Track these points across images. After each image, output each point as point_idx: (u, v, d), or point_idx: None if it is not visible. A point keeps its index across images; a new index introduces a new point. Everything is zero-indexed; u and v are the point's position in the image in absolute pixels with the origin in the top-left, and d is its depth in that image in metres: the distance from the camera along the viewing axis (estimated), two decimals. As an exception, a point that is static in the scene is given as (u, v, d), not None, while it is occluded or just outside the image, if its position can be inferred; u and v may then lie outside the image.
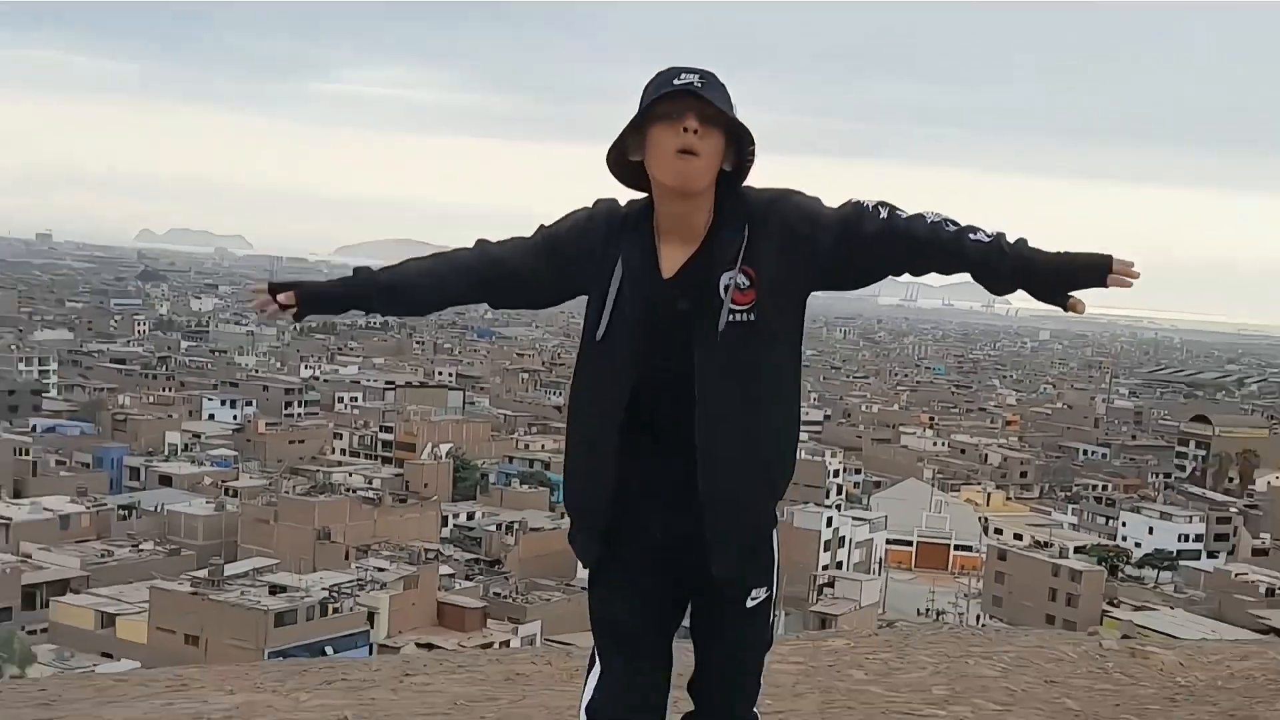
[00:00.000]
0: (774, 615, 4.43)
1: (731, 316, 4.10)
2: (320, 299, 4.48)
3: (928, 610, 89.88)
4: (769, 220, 4.14)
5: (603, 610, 4.40)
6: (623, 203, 4.33)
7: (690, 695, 4.50)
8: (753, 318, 4.12)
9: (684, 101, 4.02)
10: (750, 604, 4.33)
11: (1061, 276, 3.96)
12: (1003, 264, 3.97)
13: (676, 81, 4.04)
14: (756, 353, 4.17)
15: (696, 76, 4.05)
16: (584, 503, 4.35)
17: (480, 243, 4.46)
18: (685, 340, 4.13)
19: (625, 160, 4.21)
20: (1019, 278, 3.98)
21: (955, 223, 4.04)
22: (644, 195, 4.24)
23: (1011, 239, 3.99)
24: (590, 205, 4.35)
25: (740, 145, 4.14)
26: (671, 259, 4.16)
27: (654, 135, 4.07)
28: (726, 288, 4.10)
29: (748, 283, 4.10)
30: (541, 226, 4.39)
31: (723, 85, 4.12)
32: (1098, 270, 3.91)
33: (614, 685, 4.34)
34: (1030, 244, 3.99)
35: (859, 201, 4.13)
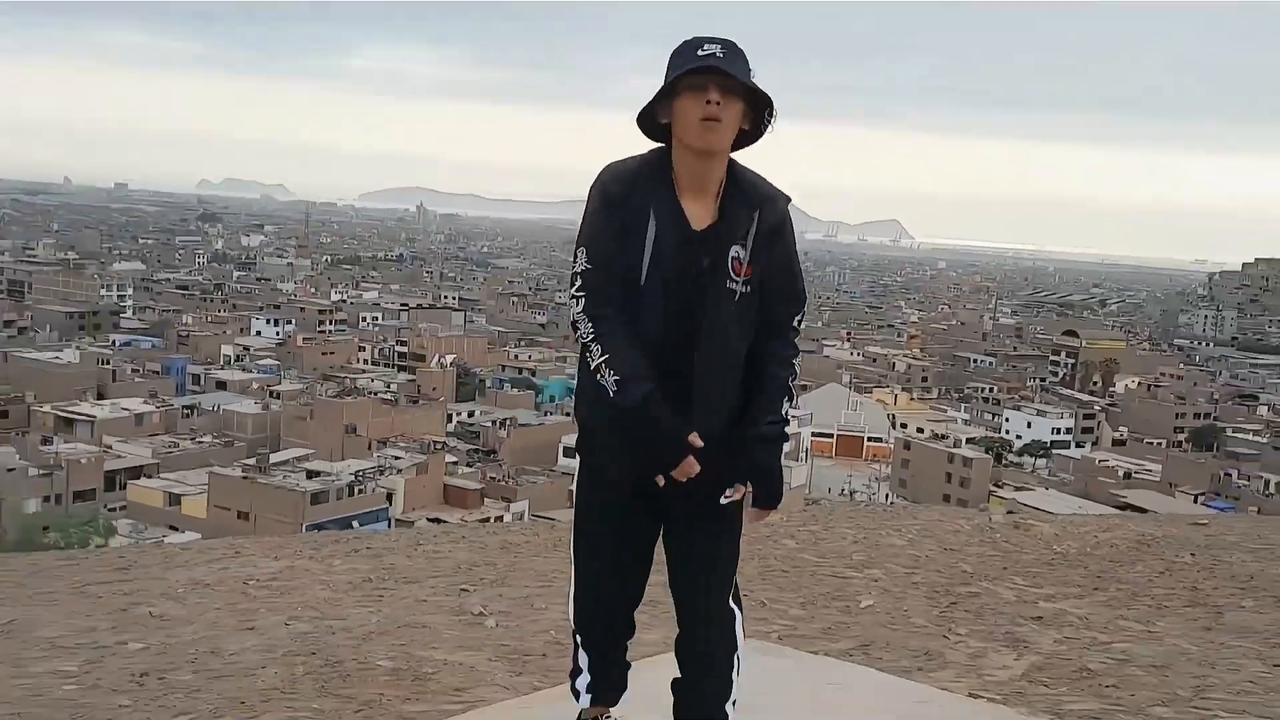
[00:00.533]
0: (740, 530, 4.23)
1: (735, 285, 3.96)
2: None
3: (844, 492, 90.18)
4: (770, 223, 4.00)
5: (589, 528, 4.24)
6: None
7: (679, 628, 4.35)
8: (747, 290, 3.97)
9: (707, 74, 3.85)
10: (724, 500, 4.07)
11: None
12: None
13: (700, 53, 3.87)
14: (743, 318, 4.00)
15: (719, 47, 3.88)
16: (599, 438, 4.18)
17: (600, 308, 4.00)
18: (699, 295, 3.93)
19: (652, 121, 3.99)
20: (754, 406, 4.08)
21: (783, 391, 4.06)
22: (653, 148, 4.05)
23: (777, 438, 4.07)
24: (598, 181, 4.07)
25: (758, 108, 3.98)
26: (695, 215, 3.96)
27: (681, 104, 3.89)
28: (734, 260, 3.94)
29: (747, 261, 3.95)
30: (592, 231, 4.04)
31: (742, 53, 3.93)
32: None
33: (594, 596, 4.28)
34: (775, 454, 4.08)
35: (794, 321, 4.13)
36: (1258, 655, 7.36)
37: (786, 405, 4.03)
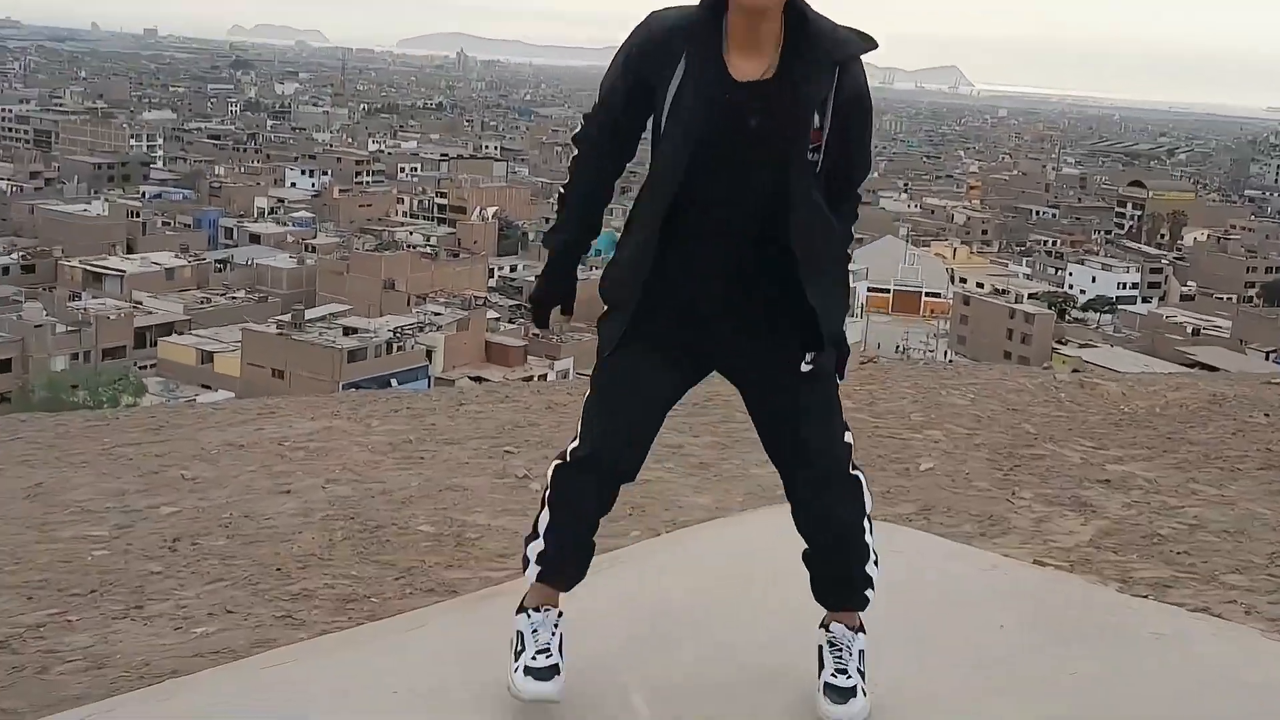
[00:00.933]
0: (838, 396, 3.91)
1: (811, 153, 3.60)
2: (568, 287, 4.03)
3: (898, 349, 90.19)
4: (847, 89, 3.63)
5: (616, 366, 3.88)
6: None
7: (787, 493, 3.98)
8: (817, 158, 3.62)
9: None
10: (805, 368, 3.76)
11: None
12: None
13: None
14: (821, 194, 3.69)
15: None
16: (619, 293, 3.85)
17: (582, 142, 3.94)
18: (757, 152, 3.60)
19: None
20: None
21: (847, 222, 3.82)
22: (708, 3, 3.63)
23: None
24: (637, 33, 3.73)
25: None
26: (740, 68, 3.57)
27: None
28: (815, 127, 3.59)
29: (819, 124, 3.59)
30: (611, 75, 3.82)
31: None
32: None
33: (605, 428, 3.83)
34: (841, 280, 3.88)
35: (862, 180, 3.84)
36: (1336, 520, 7.31)
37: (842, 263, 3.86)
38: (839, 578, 3.94)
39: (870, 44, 3.65)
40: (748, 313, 3.74)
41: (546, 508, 3.88)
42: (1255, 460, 8.70)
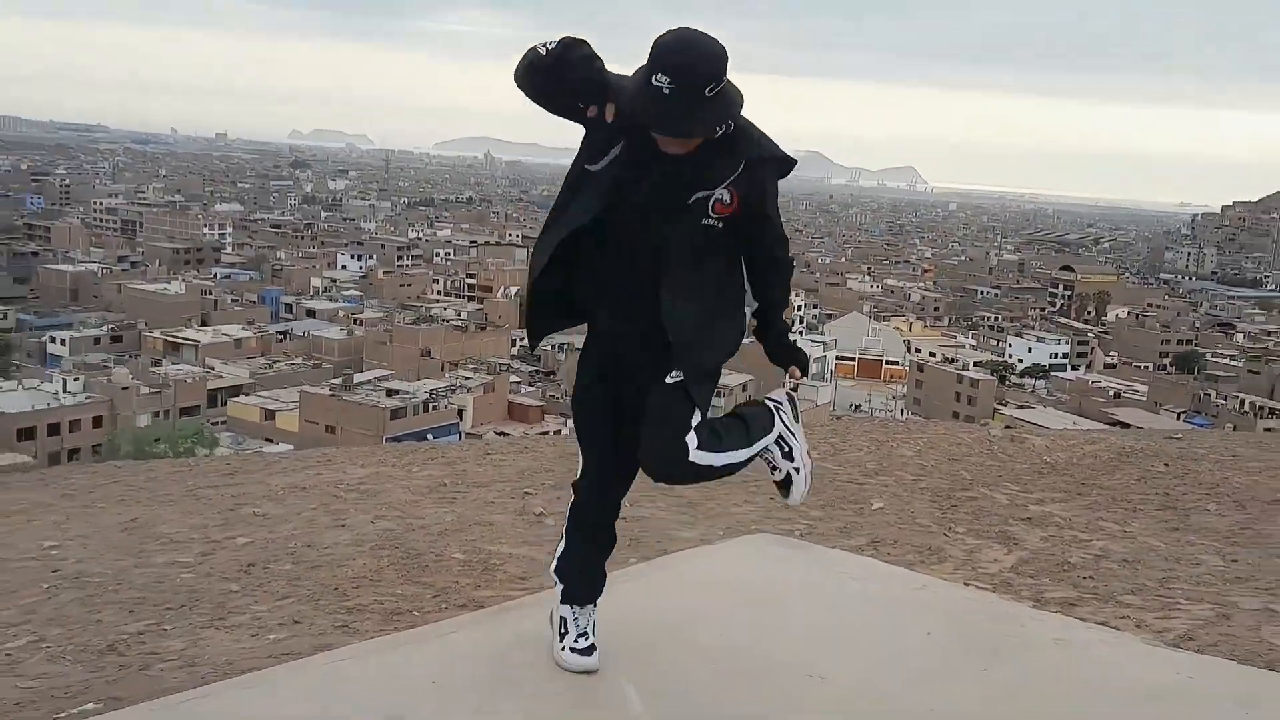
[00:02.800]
0: (698, 401, 3.84)
1: (708, 220, 3.66)
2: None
3: (858, 408, 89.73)
4: (748, 185, 3.66)
5: (579, 416, 4.13)
6: None
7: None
8: (720, 228, 3.69)
9: (647, 111, 3.49)
10: (669, 381, 3.80)
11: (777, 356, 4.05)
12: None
13: (653, 83, 3.43)
14: (718, 252, 3.78)
15: (668, 81, 3.41)
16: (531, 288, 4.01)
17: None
18: (656, 214, 3.69)
19: None
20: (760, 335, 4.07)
21: (779, 281, 3.98)
22: None
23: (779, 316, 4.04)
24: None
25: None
26: (667, 144, 3.61)
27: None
28: (713, 201, 3.64)
29: (729, 200, 3.64)
30: None
31: (697, 76, 3.43)
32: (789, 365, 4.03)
33: (591, 479, 4.15)
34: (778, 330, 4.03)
35: (779, 239, 3.86)
36: (1218, 551, 7.45)
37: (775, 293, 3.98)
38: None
39: (786, 161, 3.75)
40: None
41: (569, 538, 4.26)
42: (1154, 502, 8.84)
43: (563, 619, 4.17)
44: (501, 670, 4.13)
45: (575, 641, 4.11)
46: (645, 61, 3.50)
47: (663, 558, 5.89)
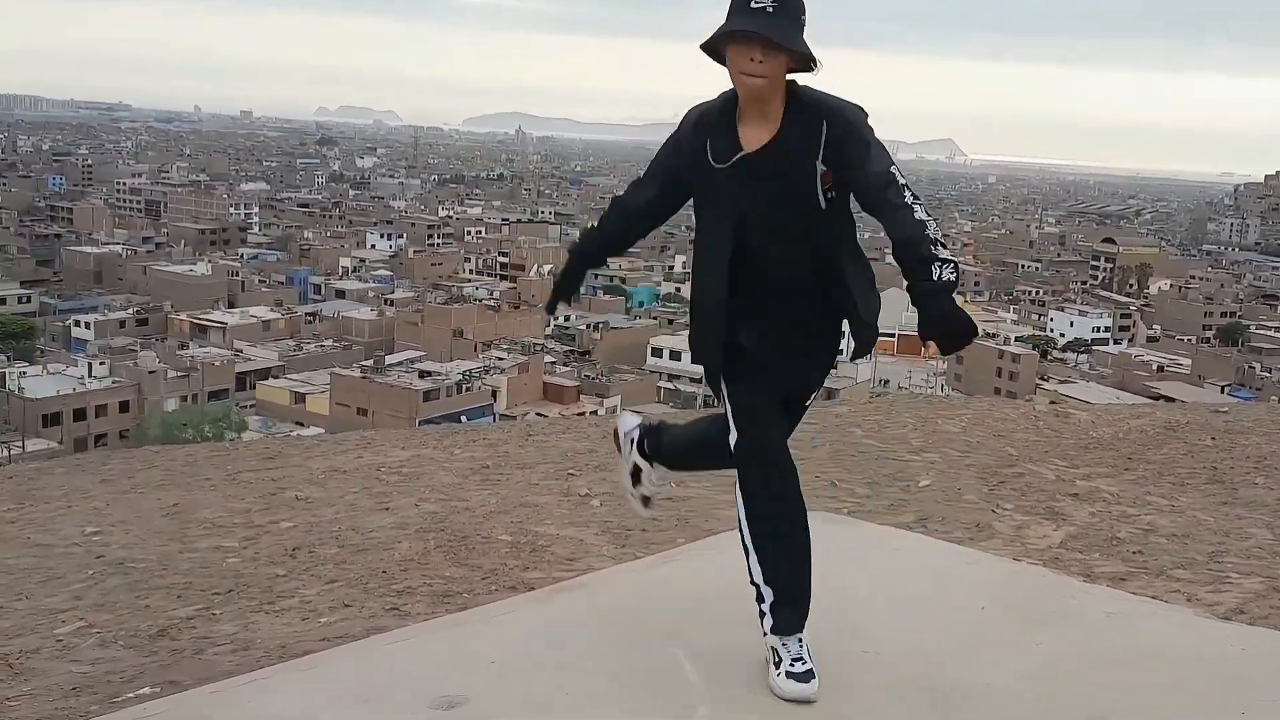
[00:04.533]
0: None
1: (827, 195, 3.85)
2: (574, 287, 4.48)
3: (893, 384, 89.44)
4: (839, 129, 3.79)
5: (741, 397, 4.05)
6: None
7: None
8: (834, 195, 3.87)
9: (749, 39, 3.68)
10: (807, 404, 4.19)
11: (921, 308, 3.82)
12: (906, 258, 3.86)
13: (753, 5, 3.68)
14: (845, 220, 4.01)
15: (770, 1, 3.67)
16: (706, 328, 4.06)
17: (615, 201, 4.28)
18: (775, 206, 3.87)
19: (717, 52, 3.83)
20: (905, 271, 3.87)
21: (909, 207, 3.82)
22: (730, 88, 3.88)
23: (928, 242, 3.85)
24: (679, 125, 4.02)
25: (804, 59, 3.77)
26: (751, 138, 3.84)
27: (730, 53, 3.75)
28: (822, 173, 3.82)
29: (826, 168, 3.81)
30: (654, 160, 4.13)
31: (796, 3, 3.74)
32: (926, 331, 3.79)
33: (756, 422, 4.03)
34: (929, 255, 3.84)
35: (888, 170, 3.80)
36: (1266, 525, 7.50)
37: (932, 245, 3.86)
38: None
39: (853, 107, 3.87)
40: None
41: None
42: (1202, 476, 8.87)
43: (773, 648, 4.02)
44: (558, 650, 4.22)
45: (791, 665, 3.95)
46: (729, 10, 3.75)
47: (711, 537, 5.96)
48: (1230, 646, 4.46)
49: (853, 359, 4.18)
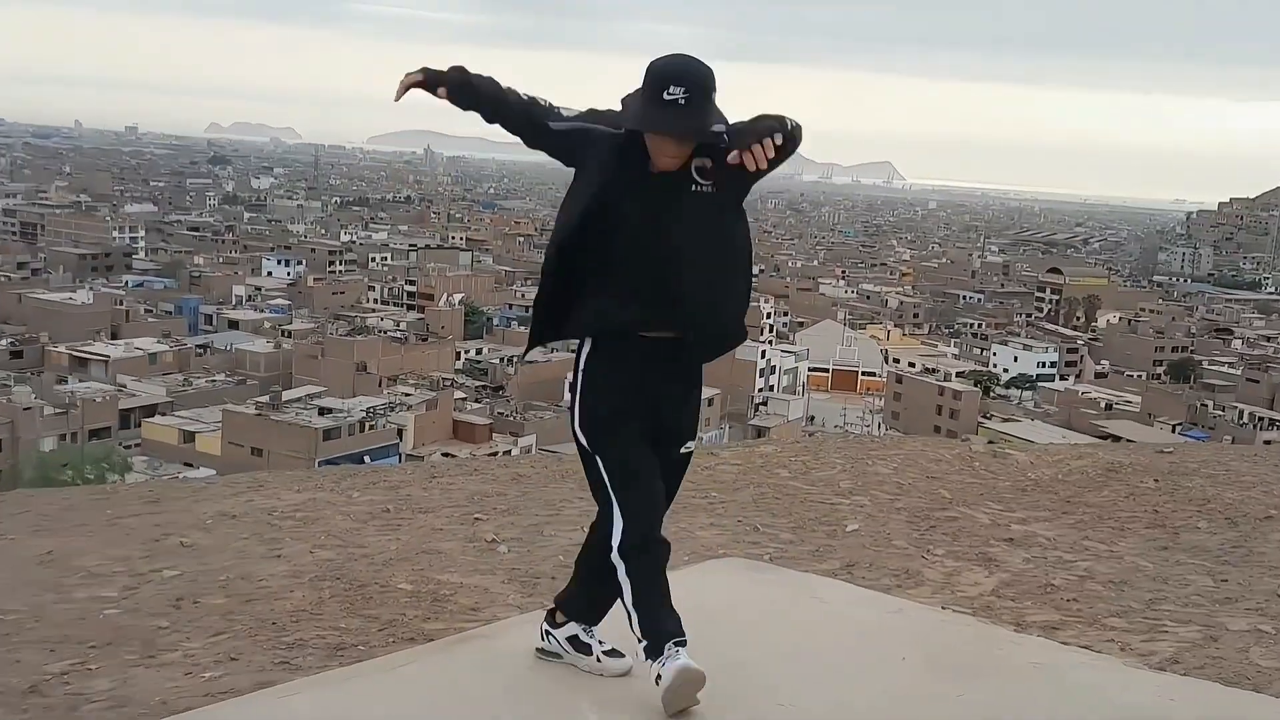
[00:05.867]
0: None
1: (697, 185, 4.17)
2: (459, 89, 4.38)
3: (825, 423, 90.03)
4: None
5: (619, 455, 4.31)
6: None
7: None
8: (713, 190, 4.18)
9: (666, 133, 4.09)
10: (684, 451, 4.45)
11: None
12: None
13: (666, 96, 4.02)
14: (719, 215, 4.27)
15: (682, 91, 4.03)
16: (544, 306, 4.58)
17: (532, 100, 4.40)
18: (664, 208, 4.18)
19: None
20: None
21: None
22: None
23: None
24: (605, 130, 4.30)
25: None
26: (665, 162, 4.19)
27: (646, 138, 4.13)
28: (696, 168, 4.16)
29: (707, 166, 4.16)
30: (580, 115, 4.39)
31: (708, 87, 4.09)
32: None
33: (639, 510, 4.28)
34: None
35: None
36: (1207, 571, 7.67)
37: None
38: None
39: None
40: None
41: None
42: (1143, 520, 9.05)
43: (575, 636, 4.60)
44: (457, 703, 4.28)
45: (603, 647, 4.57)
46: (642, 86, 4.12)
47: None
48: (1159, 697, 4.59)
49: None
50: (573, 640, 4.61)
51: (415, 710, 4.22)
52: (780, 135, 3.97)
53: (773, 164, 4.04)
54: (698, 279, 4.19)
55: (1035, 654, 5.06)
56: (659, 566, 4.33)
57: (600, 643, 4.60)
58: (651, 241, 4.18)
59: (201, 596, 6.77)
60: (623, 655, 4.50)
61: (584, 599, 4.64)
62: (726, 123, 4.10)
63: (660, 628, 4.21)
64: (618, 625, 4.44)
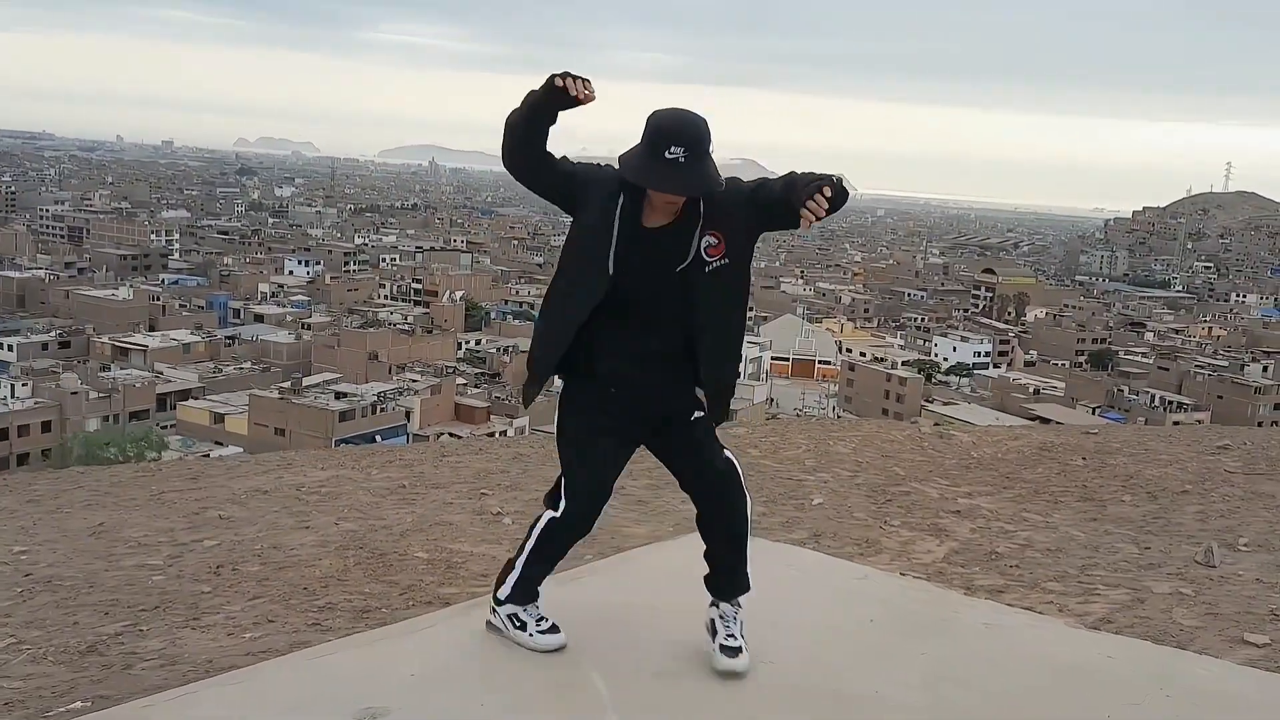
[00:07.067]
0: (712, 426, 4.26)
1: (709, 264, 3.97)
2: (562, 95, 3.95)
3: (785, 407, 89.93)
4: (721, 198, 3.95)
5: (576, 434, 4.22)
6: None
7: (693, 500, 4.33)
8: (726, 262, 4.00)
9: (670, 179, 3.83)
10: (692, 419, 4.20)
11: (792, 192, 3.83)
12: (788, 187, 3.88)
13: (668, 155, 3.79)
14: (729, 285, 4.06)
15: (683, 151, 3.80)
16: (544, 359, 4.19)
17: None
18: (665, 270, 3.99)
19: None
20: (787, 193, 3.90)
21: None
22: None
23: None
24: (609, 172, 4.06)
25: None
26: (652, 220, 4.00)
27: (648, 190, 3.92)
28: (705, 246, 3.97)
29: (717, 241, 3.97)
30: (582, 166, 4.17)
31: (706, 144, 3.86)
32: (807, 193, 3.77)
33: (580, 493, 4.19)
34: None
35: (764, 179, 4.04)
36: (1133, 540, 7.69)
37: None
38: (733, 570, 4.32)
39: (732, 179, 4.04)
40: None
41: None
42: (1074, 494, 9.07)
43: (513, 615, 4.40)
44: (479, 663, 4.26)
45: (538, 624, 4.37)
46: (642, 141, 3.87)
47: (619, 554, 6.01)
48: (1098, 654, 4.60)
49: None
50: (512, 618, 4.47)
51: (443, 668, 4.20)
52: (830, 188, 3.75)
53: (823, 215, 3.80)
54: (711, 352, 4.10)
55: (986, 615, 5.07)
56: (565, 547, 4.35)
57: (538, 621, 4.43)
58: (654, 310, 4.06)
59: (239, 564, 6.77)
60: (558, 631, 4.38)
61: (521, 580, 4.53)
62: (720, 179, 3.92)
63: (531, 586, 4.37)
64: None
